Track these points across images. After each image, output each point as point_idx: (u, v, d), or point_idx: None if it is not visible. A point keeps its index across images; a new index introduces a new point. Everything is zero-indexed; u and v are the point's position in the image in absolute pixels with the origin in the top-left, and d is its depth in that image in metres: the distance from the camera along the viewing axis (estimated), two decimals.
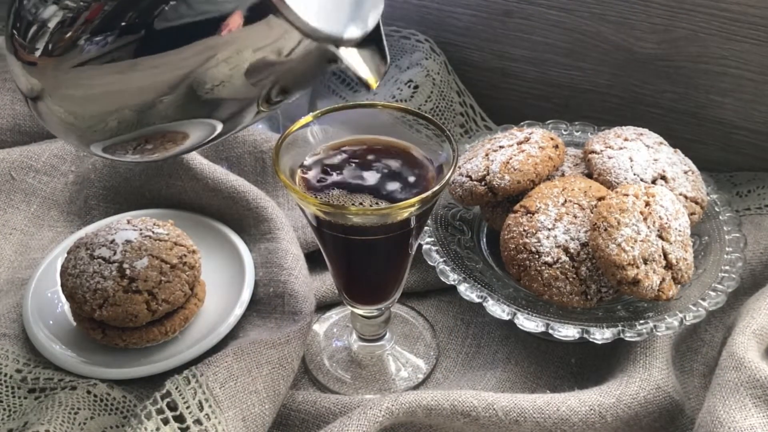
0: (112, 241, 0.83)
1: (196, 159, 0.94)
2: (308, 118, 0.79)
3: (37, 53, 0.63)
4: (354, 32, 0.64)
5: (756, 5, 0.98)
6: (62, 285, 0.83)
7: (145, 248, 0.83)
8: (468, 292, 0.85)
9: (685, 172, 0.92)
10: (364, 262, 0.81)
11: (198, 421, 0.73)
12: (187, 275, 0.84)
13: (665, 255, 0.82)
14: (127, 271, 0.81)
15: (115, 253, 0.82)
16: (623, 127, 0.98)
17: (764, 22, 0.99)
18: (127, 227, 0.85)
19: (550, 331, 0.82)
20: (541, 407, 0.76)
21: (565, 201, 0.86)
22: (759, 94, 1.04)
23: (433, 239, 0.91)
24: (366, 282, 0.83)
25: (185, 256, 0.84)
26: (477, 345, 0.92)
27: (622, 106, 1.14)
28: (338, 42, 0.63)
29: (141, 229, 0.85)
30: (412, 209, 0.72)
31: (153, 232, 0.85)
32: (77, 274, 0.82)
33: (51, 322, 0.86)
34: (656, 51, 1.07)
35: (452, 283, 0.86)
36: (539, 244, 0.84)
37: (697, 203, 0.91)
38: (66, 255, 0.85)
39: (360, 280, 0.83)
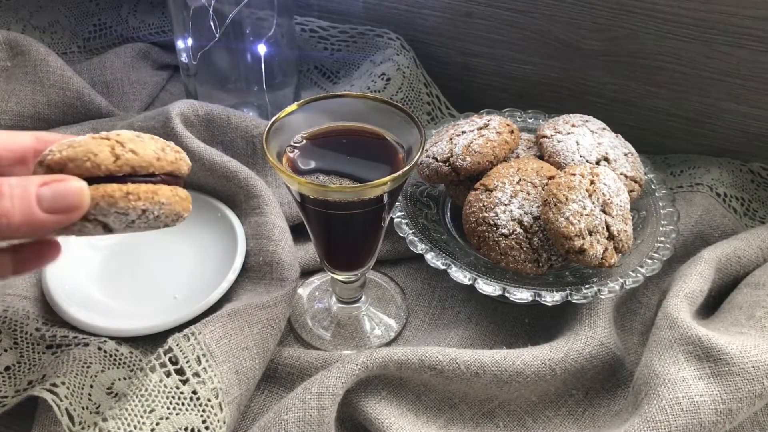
0: None
1: (195, 142, 0.93)
2: (293, 106, 0.78)
3: None
4: None
5: (687, 7, 0.97)
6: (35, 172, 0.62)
7: None
8: (434, 260, 0.85)
9: (625, 155, 0.92)
10: (342, 234, 0.80)
11: (196, 374, 0.72)
12: (168, 146, 0.66)
13: (608, 227, 0.82)
14: (102, 133, 0.63)
15: None
16: (571, 115, 0.97)
17: (694, 22, 0.98)
18: None
19: (507, 295, 0.81)
20: (499, 361, 0.76)
21: (520, 180, 0.86)
22: (690, 86, 1.04)
23: (403, 213, 0.90)
24: (344, 251, 0.83)
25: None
26: (442, 307, 0.92)
27: (570, 96, 1.14)
28: None
29: None
30: (385, 187, 0.71)
31: None
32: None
33: (66, 286, 0.85)
34: (600, 47, 1.06)
35: (420, 252, 0.86)
36: (497, 217, 0.84)
37: (635, 182, 0.91)
38: None
39: (339, 250, 0.82)
